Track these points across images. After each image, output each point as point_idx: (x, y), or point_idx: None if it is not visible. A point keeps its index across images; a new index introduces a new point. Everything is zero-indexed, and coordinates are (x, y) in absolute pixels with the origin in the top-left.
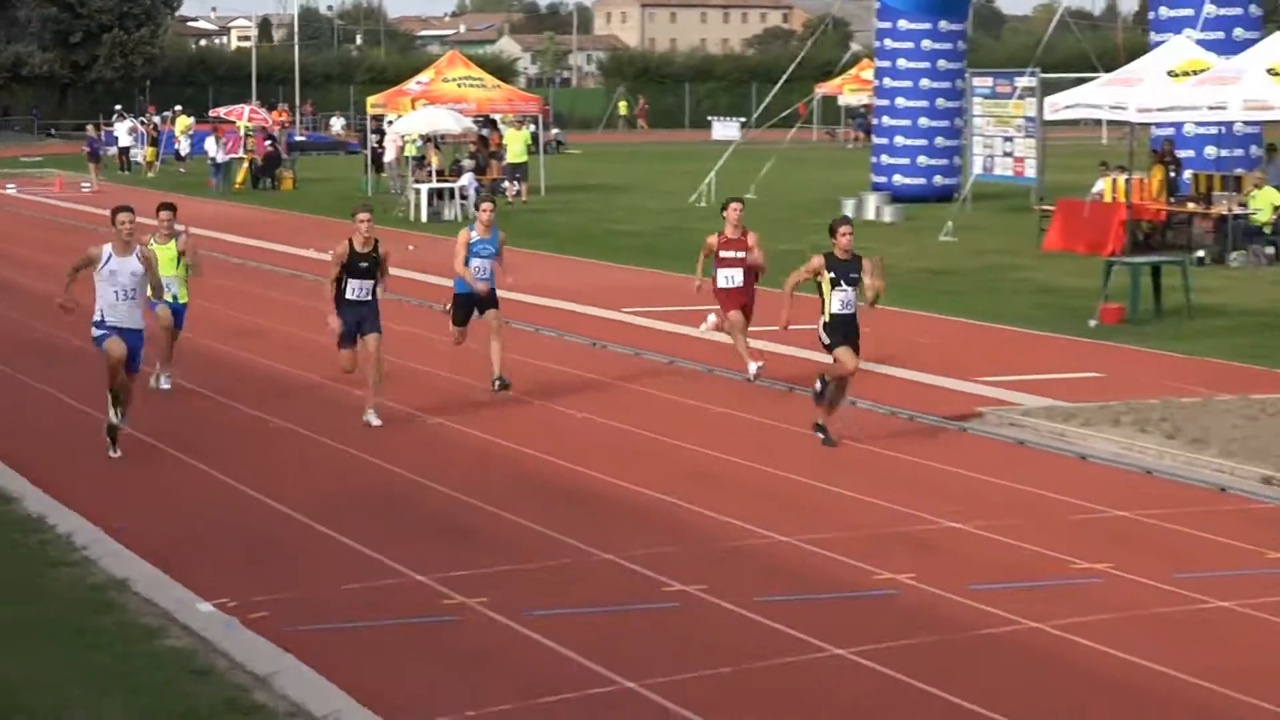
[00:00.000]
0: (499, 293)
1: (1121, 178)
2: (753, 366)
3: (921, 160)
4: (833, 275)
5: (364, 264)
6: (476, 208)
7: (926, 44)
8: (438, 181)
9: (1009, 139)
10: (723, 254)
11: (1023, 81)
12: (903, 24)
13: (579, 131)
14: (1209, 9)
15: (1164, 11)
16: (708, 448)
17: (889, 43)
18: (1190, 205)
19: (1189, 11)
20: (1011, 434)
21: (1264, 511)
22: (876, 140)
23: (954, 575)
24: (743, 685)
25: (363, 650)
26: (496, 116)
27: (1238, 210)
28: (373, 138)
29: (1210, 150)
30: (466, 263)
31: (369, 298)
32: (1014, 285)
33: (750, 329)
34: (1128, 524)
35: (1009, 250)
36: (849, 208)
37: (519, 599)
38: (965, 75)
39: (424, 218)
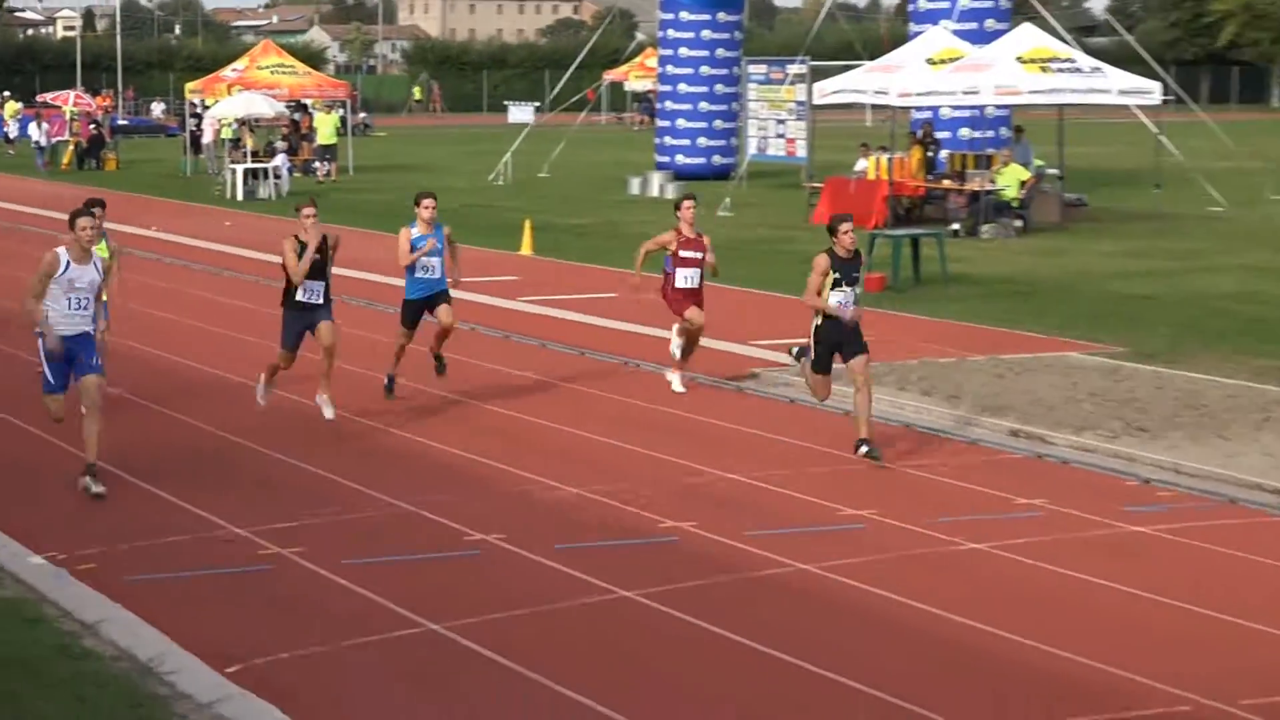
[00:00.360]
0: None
1: (884, 157)
2: (675, 379)
3: (701, 141)
4: (836, 275)
5: (315, 258)
6: (417, 204)
7: (706, 34)
8: (252, 162)
9: (781, 121)
10: (683, 254)
11: (794, 69)
12: (684, 15)
13: (384, 115)
14: (963, 1)
15: (922, 4)
16: (513, 410)
17: (672, 33)
18: (946, 182)
19: (945, 4)
20: (784, 393)
21: (1012, 462)
22: (660, 123)
23: (732, 523)
24: (538, 625)
25: (185, 598)
26: (307, 101)
27: (989, 187)
28: (191, 121)
29: (965, 132)
30: (413, 264)
31: (320, 300)
32: (786, 256)
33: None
34: (889, 474)
35: (781, 224)
36: (635, 185)
37: (331, 549)
38: (741, 63)
39: (240, 196)
